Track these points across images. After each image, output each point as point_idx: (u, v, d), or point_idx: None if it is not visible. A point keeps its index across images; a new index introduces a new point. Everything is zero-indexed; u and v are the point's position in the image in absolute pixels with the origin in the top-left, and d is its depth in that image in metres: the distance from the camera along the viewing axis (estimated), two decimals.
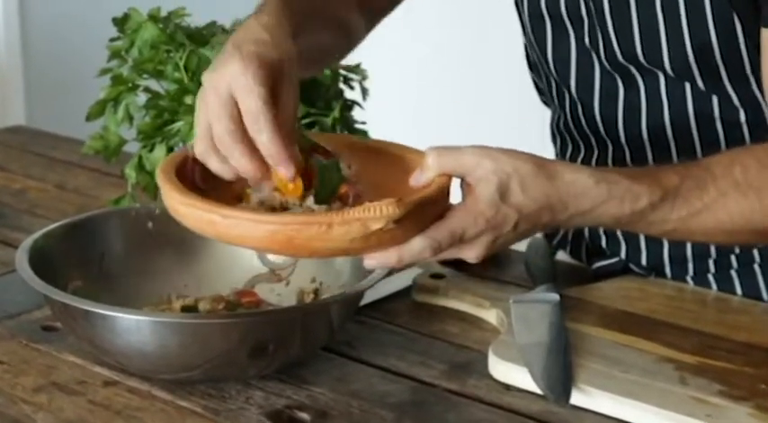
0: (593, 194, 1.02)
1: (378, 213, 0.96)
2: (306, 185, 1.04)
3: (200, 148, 1.04)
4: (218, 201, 1.00)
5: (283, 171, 1.01)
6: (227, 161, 1.03)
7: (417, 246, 0.98)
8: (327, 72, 1.38)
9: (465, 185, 1.01)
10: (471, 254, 1.01)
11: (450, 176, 1.01)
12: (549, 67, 1.34)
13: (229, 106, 1.01)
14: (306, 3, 1.19)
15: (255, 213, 1.00)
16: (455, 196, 1.02)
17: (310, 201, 1.03)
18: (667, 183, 1.05)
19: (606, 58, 1.27)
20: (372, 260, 0.99)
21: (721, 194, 1.06)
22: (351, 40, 1.32)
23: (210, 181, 1.06)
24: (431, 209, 0.99)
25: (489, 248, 1.01)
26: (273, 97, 1.02)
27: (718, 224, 1.07)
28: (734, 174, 1.06)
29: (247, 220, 0.97)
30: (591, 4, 1.26)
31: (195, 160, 1.06)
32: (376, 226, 0.96)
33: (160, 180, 1.04)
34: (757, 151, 1.10)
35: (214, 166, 1.04)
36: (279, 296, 1.20)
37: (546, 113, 1.46)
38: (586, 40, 1.28)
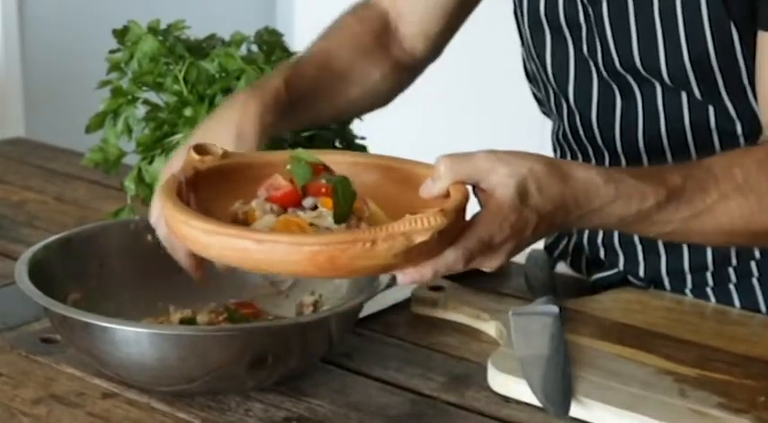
0: (603, 193, 1.02)
1: (424, 225, 0.91)
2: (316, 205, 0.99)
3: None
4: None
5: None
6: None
7: (451, 257, 0.96)
8: None
9: (479, 192, 1.00)
10: (495, 263, 1.00)
11: (465, 184, 0.99)
12: (547, 77, 1.34)
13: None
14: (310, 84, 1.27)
15: (294, 235, 0.92)
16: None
17: (328, 221, 0.97)
18: (671, 183, 1.05)
19: (604, 66, 1.27)
20: (407, 276, 0.96)
21: (722, 196, 1.06)
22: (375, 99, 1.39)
23: (204, 205, 1.01)
24: (461, 219, 0.96)
25: (510, 255, 1.00)
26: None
27: (718, 226, 1.07)
28: (734, 176, 1.07)
29: (286, 244, 0.90)
30: (590, 11, 1.26)
31: (189, 185, 1.02)
32: (421, 238, 0.91)
33: (170, 210, 0.96)
34: (757, 153, 1.10)
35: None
36: (278, 308, 1.20)
37: (545, 124, 1.46)
38: (585, 48, 1.29)
